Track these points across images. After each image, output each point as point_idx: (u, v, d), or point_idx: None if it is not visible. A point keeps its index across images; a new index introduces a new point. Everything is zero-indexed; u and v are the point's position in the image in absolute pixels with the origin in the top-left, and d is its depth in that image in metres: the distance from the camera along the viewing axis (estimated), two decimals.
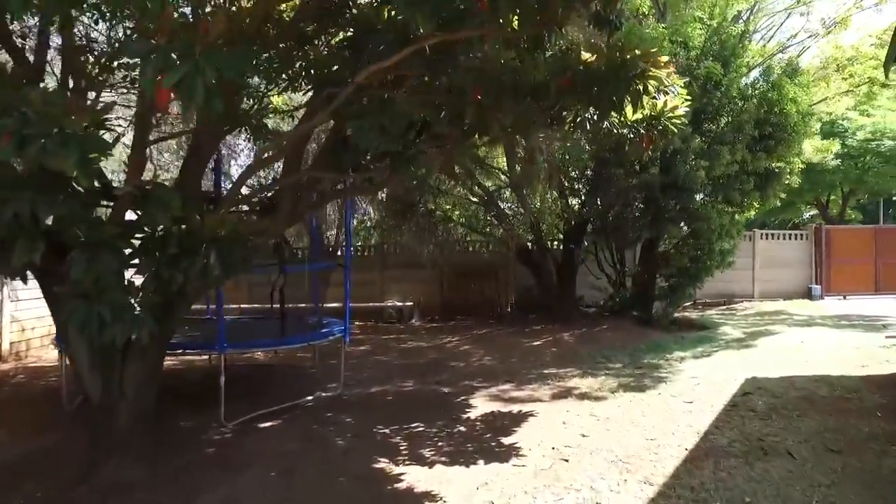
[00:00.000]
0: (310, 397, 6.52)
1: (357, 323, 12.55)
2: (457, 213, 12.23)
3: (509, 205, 11.76)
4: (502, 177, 11.64)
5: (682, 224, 9.76)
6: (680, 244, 10.44)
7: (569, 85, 3.56)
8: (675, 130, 5.14)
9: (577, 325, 10.75)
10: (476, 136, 4.20)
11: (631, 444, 4.72)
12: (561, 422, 5.39)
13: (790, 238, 16.30)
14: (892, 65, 7.97)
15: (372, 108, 3.55)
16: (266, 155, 4.20)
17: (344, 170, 4.40)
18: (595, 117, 4.12)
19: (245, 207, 5.33)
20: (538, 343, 9.64)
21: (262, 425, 5.58)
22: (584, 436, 4.96)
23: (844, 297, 15.85)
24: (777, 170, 10.04)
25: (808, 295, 15.64)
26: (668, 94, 5.06)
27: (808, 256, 16.05)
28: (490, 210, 11.35)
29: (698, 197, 9.74)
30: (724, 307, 14.60)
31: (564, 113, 4.14)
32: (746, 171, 9.61)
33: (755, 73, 10.29)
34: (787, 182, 10.68)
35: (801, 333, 9.61)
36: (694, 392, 6.16)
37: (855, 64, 14.78)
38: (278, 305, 6.77)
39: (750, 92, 9.66)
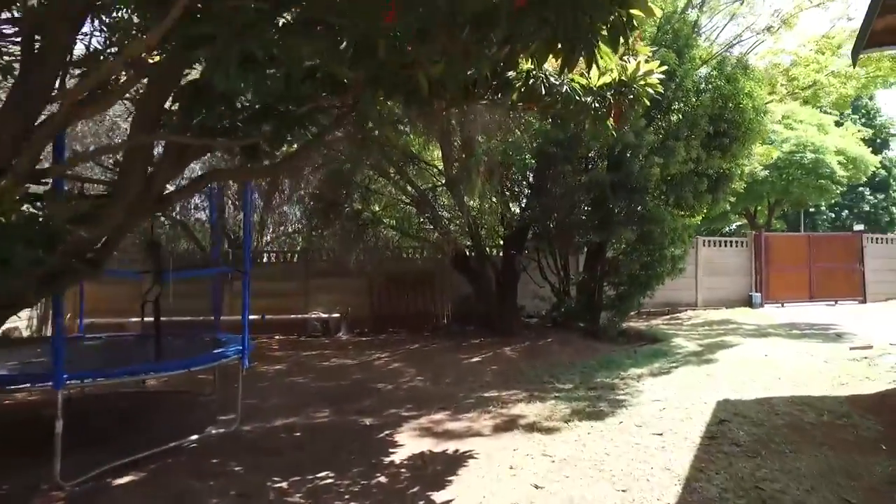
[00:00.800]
0: (195, 436, 5.12)
1: (277, 337, 11.13)
2: (388, 215, 11.00)
3: (445, 206, 10.64)
4: (437, 174, 10.52)
5: (632, 227, 8.93)
6: (630, 250, 9.63)
7: (526, 6, 2.44)
8: (648, 102, 4.18)
9: (520, 339, 9.75)
10: (390, 87, 3.01)
11: (598, 497, 3.65)
12: (507, 466, 4.26)
13: (731, 245, 16.04)
14: (859, 55, 7.40)
15: (230, 27, 2.30)
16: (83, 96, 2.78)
17: (206, 132, 3.10)
18: (559, 67, 3.04)
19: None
20: (477, 359, 8.55)
21: (119, 481, 4.16)
22: (537, 487, 3.85)
23: (782, 305, 15.72)
24: (728, 172, 9.46)
25: (748, 303, 15.39)
26: (637, 55, 4.10)
27: (748, 264, 15.84)
28: (424, 212, 10.21)
29: (650, 198, 8.96)
30: (669, 316, 14.08)
31: (517, 59, 3.03)
32: (699, 172, 8.95)
33: (706, 69, 9.66)
34: (734, 185, 10.15)
35: (760, 345, 8.96)
36: (661, 420, 5.20)
37: (796, 67, 14.69)
38: (153, 319, 5.33)
39: (704, 85, 9.02)
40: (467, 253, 10.52)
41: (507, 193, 10.41)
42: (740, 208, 27.42)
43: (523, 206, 10.64)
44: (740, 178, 9.92)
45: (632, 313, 11.02)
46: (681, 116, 8.65)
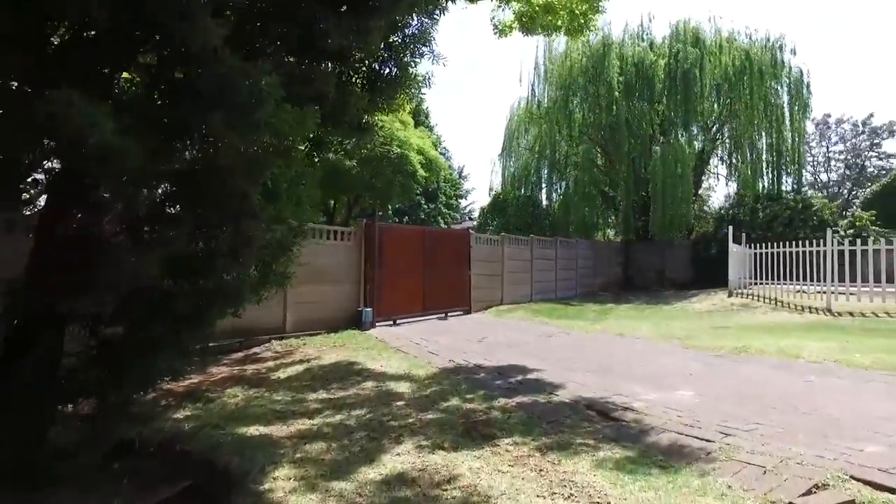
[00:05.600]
0: None
1: None
2: None
3: None
4: None
5: None
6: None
7: None
8: None
9: None
10: None
11: None
12: None
13: (335, 238, 10.97)
14: None
15: None
16: None
17: None
18: None
19: None
20: None
21: None
22: None
23: (395, 322, 11.59)
24: None
25: (357, 321, 10.62)
26: None
27: (357, 266, 11.11)
28: None
29: None
30: (243, 355, 7.97)
31: None
32: None
33: None
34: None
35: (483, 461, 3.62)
36: None
37: None
38: None
39: None
40: None
41: None
42: (325, 200, 23.71)
43: None
44: None
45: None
46: None
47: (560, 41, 23.24)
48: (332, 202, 24.85)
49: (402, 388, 5.49)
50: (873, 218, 17.74)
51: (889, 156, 43.67)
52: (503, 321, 12.27)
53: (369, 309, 10.76)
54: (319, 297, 10.19)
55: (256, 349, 8.40)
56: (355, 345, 8.48)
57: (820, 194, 33.97)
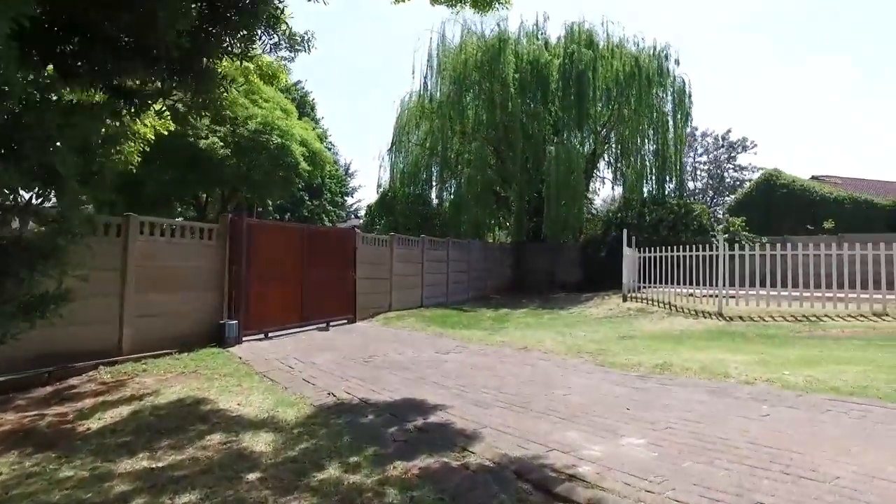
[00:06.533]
0: None
1: None
2: None
3: None
4: None
5: None
6: None
7: None
8: None
9: None
10: None
11: None
12: None
13: (191, 235, 9.05)
14: None
15: None
16: None
17: None
18: None
19: None
20: None
21: None
22: None
23: (267, 335, 9.89)
24: None
25: (219, 336, 8.81)
26: None
27: (220, 269, 9.28)
28: None
29: None
30: (52, 390, 5.99)
31: None
32: None
33: None
34: None
35: None
36: None
37: None
38: None
39: None
40: None
41: None
42: (191, 193, 21.16)
43: None
44: None
45: None
46: None
47: (455, 33, 22.43)
48: (205, 196, 22.21)
49: (261, 444, 4.00)
50: (744, 224, 18.62)
51: (742, 168, 48.00)
52: (393, 332, 10.97)
53: (234, 322, 8.99)
54: (170, 309, 8.29)
55: (74, 381, 6.41)
56: (211, 370, 6.76)
57: (690, 201, 36.30)
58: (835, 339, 8.42)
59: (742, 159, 48.75)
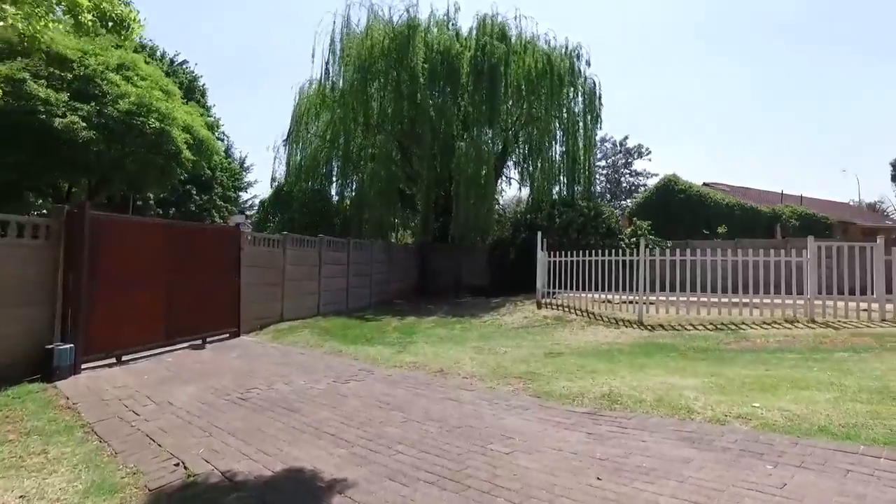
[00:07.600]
0: None
1: None
2: None
3: None
4: None
5: None
6: None
7: None
8: None
9: None
10: None
11: None
12: None
13: (14, 234, 6.90)
14: None
15: None
16: None
17: None
18: None
19: None
20: None
21: None
22: None
23: (119, 360, 7.91)
24: None
25: (45, 366, 6.78)
26: None
27: (52, 277, 7.20)
28: None
29: None
30: None
31: None
32: None
33: None
34: None
35: None
36: None
37: None
38: None
39: None
40: None
41: None
42: (47, 183, 18.04)
43: None
44: None
45: None
46: None
47: (361, 17, 20.79)
48: (68, 186, 19.04)
49: None
50: (650, 227, 18.59)
51: (638, 174, 50.10)
52: (283, 350, 9.32)
53: (67, 346, 6.97)
54: None
55: None
56: (11, 423, 4.87)
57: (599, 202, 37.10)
58: (770, 353, 7.92)
59: (638, 165, 50.92)
